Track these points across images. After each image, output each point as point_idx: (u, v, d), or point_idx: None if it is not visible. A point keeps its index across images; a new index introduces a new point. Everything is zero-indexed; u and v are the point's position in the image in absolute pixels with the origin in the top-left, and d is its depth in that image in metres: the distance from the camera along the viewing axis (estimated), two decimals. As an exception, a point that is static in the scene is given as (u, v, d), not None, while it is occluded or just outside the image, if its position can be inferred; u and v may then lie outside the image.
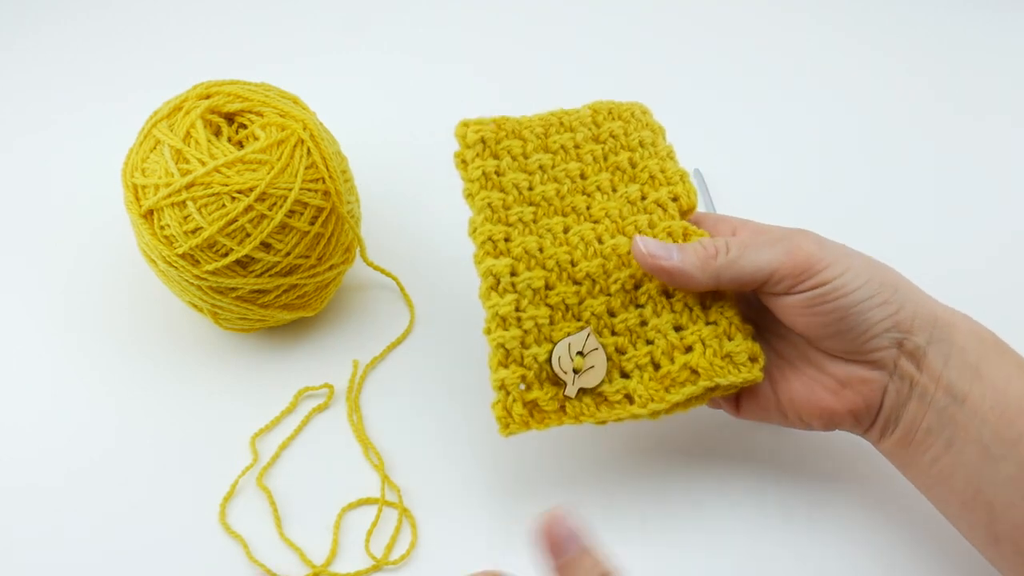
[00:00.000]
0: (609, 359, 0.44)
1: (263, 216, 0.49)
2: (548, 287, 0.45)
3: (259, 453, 0.52)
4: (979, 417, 0.40)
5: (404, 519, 0.49)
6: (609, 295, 0.45)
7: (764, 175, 0.68)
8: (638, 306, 0.45)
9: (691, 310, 0.45)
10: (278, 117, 0.52)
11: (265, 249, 0.50)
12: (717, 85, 0.76)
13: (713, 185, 0.66)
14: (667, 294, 0.45)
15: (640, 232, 0.46)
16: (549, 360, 0.43)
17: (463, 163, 0.48)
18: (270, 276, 0.51)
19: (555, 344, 0.43)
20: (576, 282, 0.45)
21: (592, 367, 0.43)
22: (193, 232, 0.49)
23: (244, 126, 0.53)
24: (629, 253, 0.46)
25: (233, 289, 0.51)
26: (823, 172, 0.69)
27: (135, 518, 0.49)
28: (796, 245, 0.43)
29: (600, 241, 0.46)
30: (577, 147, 0.50)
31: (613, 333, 0.45)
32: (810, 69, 0.77)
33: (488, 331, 0.44)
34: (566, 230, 0.47)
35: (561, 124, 0.50)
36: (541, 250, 0.46)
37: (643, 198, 0.48)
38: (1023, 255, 0.63)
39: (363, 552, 0.48)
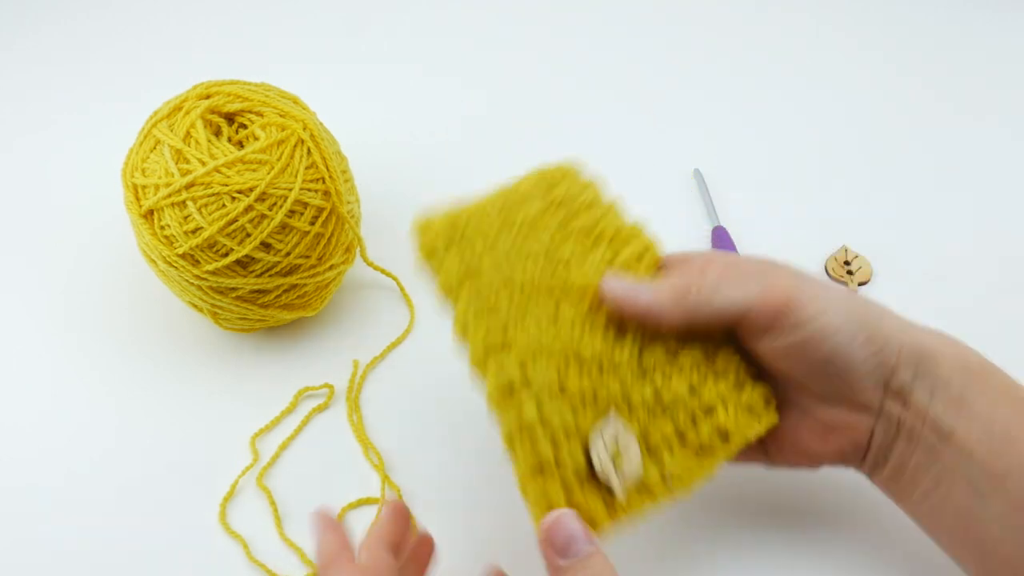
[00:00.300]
0: (636, 438, 0.39)
1: (263, 216, 0.49)
2: (559, 376, 0.39)
3: (259, 453, 0.52)
4: (966, 453, 0.39)
5: (404, 519, 0.49)
6: (616, 366, 0.41)
7: (763, 175, 0.68)
8: (646, 373, 0.41)
9: (699, 367, 0.42)
10: (278, 117, 0.52)
11: (265, 249, 0.50)
12: (717, 85, 0.76)
13: (713, 185, 0.66)
14: (672, 352, 0.42)
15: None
16: (588, 460, 0.38)
17: (432, 258, 0.43)
18: (270, 276, 0.51)
19: (588, 436, 0.38)
20: (584, 363, 0.40)
21: (628, 449, 0.39)
22: (193, 232, 0.49)
23: (244, 126, 0.53)
24: (622, 322, 0.43)
25: (233, 289, 0.51)
26: (823, 172, 0.69)
27: (135, 518, 0.49)
28: (772, 282, 0.40)
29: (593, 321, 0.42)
30: (537, 219, 0.45)
31: (631, 410, 0.40)
32: (810, 69, 0.77)
33: (511, 445, 0.38)
34: (556, 307, 0.42)
35: (512, 199, 0.46)
36: (541, 343, 0.40)
37: (614, 259, 0.45)
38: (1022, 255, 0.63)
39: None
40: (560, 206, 0.46)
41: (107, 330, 0.57)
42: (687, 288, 0.41)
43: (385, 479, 0.50)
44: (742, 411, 0.41)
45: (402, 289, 0.59)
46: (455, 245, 0.43)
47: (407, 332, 0.58)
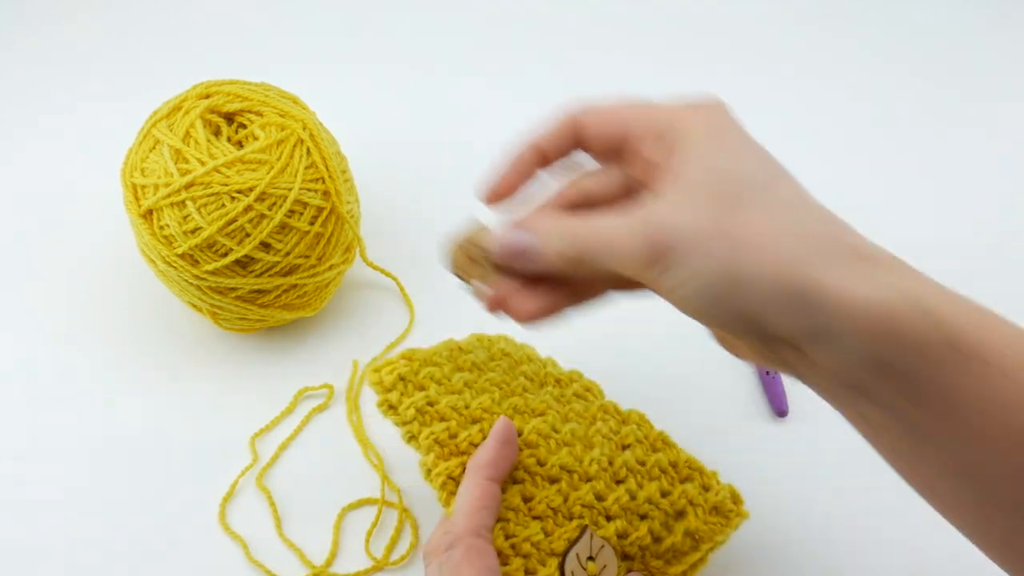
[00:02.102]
0: (614, 548, 0.41)
1: (263, 216, 0.49)
2: (527, 499, 0.41)
3: (259, 453, 0.52)
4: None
5: (404, 520, 0.49)
6: (591, 479, 0.42)
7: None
8: (620, 482, 0.43)
9: (666, 472, 0.43)
10: (278, 117, 0.52)
11: (265, 249, 0.50)
12: (717, 85, 0.76)
13: (713, 185, 0.66)
14: (640, 461, 0.44)
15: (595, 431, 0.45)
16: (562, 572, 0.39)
17: (390, 408, 0.43)
18: (270, 276, 0.51)
19: (563, 557, 0.39)
20: (553, 480, 0.41)
21: (606, 566, 0.40)
22: (192, 232, 0.49)
23: (244, 126, 0.53)
24: (588, 435, 0.44)
25: (233, 289, 0.51)
26: (823, 171, 0.69)
27: (135, 518, 0.49)
28: (651, 226, 0.34)
29: (555, 430, 0.43)
30: (485, 363, 0.47)
31: (608, 519, 0.41)
32: (810, 69, 0.77)
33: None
34: (519, 433, 0.43)
35: (460, 348, 0.48)
36: None
37: (562, 395, 0.47)
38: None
39: (363, 553, 0.48)
40: (504, 356, 0.48)
41: (106, 330, 0.57)
42: (573, 246, 0.36)
43: (385, 479, 0.50)
44: (709, 514, 0.43)
45: (402, 289, 0.59)
46: (407, 395, 0.44)
47: (407, 332, 0.58)
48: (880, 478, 0.50)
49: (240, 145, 0.52)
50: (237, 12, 0.81)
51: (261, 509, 0.49)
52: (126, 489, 0.50)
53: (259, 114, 0.52)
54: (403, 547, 0.48)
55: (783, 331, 0.33)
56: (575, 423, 0.45)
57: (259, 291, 0.52)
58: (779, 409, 0.53)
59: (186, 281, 0.51)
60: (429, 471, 0.42)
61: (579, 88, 0.74)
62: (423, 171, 0.67)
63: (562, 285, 0.38)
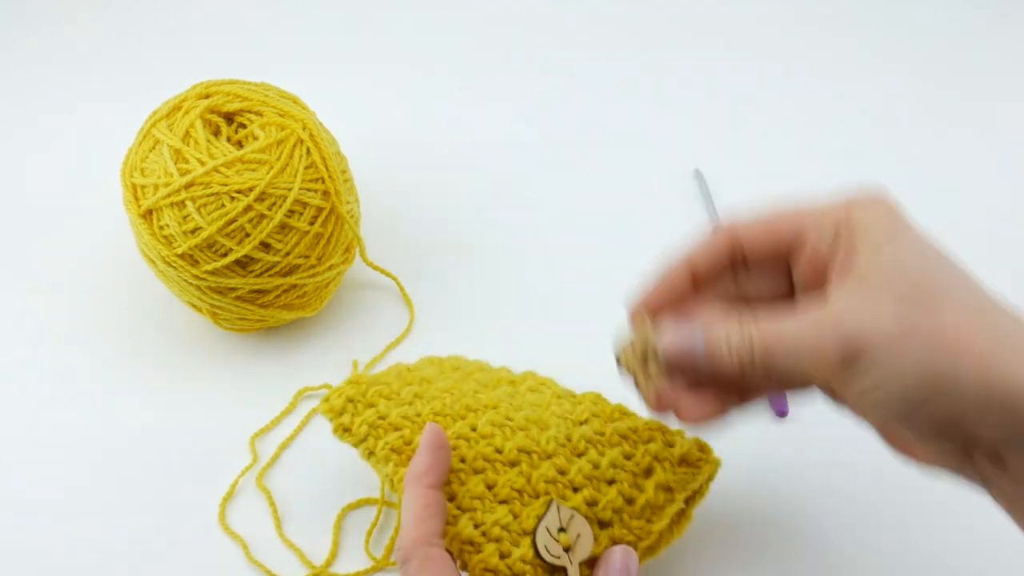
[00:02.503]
0: (585, 516, 0.41)
1: (262, 216, 0.49)
2: (490, 486, 0.42)
3: (259, 453, 0.52)
4: None
5: (404, 519, 0.49)
6: (551, 456, 0.43)
7: (764, 175, 0.68)
8: (581, 455, 0.43)
9: (627, 438, 0.44)
10: (277, 117, 0.52)
11: (264, 249, 0.50)
12: (717, 84, 0.76)
13: (713, 185, 0.66)
14: (599, 432, 0.44)
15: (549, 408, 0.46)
16: (537, 554, 0.39)
17: (345, 431, 0.44)
18: (269, 276, 0.51)
19: (533, 534, 0.40)
20: (513, 464, 0.42)
21: (579, 535, 0.40)
22: (192, 232, 0.49)
23: (243, 126, 0.53)
24: (543, 419, 0.44)
25: (232, 289, 0.51)
26: (822, 171, 0.69)
27: (134, 518, 0.49)
28: (843, 329, 0.33)
29: (509, 419, 0.44)
30: (435, 377, 0.48)
31: (575, 490, 0.42)
32: (810, 69, 0.77)
33: (465, 562, 0.40)
34: (473, 428, 0.44)
35: (408, 369, 0.49)
36: (463, 460, 0.42)
37: (516, 392, 0.48)
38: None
39: (363, 553, 0.48)
40: (455, 369, 0.49)
41: (106, 330, 0.57)
42: (740, 360, 0.36)
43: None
44: (677, 465, 0.43)
45: (402, 289, 0.59)
46: (358, 415, 0.44)
47: (406, 332, 0.58)
48: (880, 480, 0.50)
49: (240, 145, 0.52)
50: (237, 12, 0.81)
51: (261, 509, 0.49)
52: (126, 489, 0.50)
53: (259, 114, 0.52)
54: (403, 547, 0.48)
55: (985, 436, 0.32)
56: (528, 410, 0.45)
57: (259, 291, 0.52)
58: (779, 410, 0.53)
59: (186, 281, 0.51)
60: (392, 480, 0.42)
61: (581, 89, 0.75)
62: (423, 171, 0.67)
63: (729, 385, 0.38)
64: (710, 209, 0.64)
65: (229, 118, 0.53)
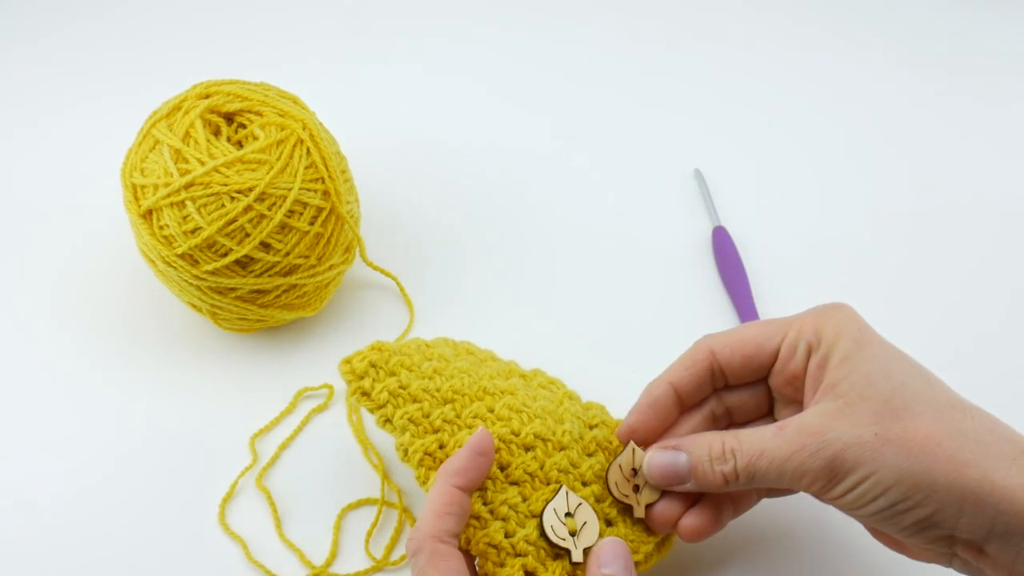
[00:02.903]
0: (593, 509, 0.42)
1: (262, 216, 0.49)
2: (503, 467, 0.42)
3: (259, 453, 0.52)
4: None
5: (405, 520, 0.49)
6: (564, 448, 0.43)
7: (764, 175, 0.68)
8: (591, 455, 0.44)
9: (636, 449, 0.43)
10: (277, 117, 0.51)
11: (264, 249, 0.50)
12: (717, 85, 0.76)
13: (713, 185, 0.66)
14: (608, 439, 0.45)
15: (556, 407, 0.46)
16: (543, 534, 0.40)
17: (363, 395, 0.44)
18: (269, 276, 0.51)
19: (541, 516, 0.40)
20: (528, 448, 0.43)
21: (586, 522, 0.41)
22: (192, 232, 0.49)
23: (243, 126, 0.53)
24: (558, 412, 0.45)
25: (232, 289, 0.51)
26: (822, 170, 0.69)
27: (135, 518, 0.49)
28: (824, 443, 0.36)
29: (527, 405, 0.44)
30: (453, 357, 0.48)
31: (585, 484, 0.42)
32: (810, 69, 0.77)
33: (469, 537, 0.40)
34: (491, 410, 0.44)
35: (427, 345, 0.49)
36: None
37: (529, 384, 0.48)
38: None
39: (363, 553, 0.48)
40: (469, 354, 0.49)
41: (106, 330, 0.57)
42: (720, 453, 0.39)
43: (385, 479, 0.50)
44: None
45: (402, 289, 0.59)
46: (379, 380, 0.45)
47: (406, 332, 0.58)
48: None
49: (240, 145, 0.52)
50: (237, 12, 0.81)
51: (261, 509, 0.49)
52: (126, 489, 0.50)
53: (259, 114, 0.52)
54: (403, 547, 0.48)
55: (964, 531, 0.35)
56: (544, 402, 0.45)
57: (259, 291, 0.52)
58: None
59: (186, 281, 0.50)
60: (406, 451, 0.42)
61: (582, 89, 0.75)
62: (423, 171, 0.67)
63: (722, 498, 0.42)
64: (710, 209, 0.64)
65: (229, 118, 0.53)
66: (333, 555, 0.48)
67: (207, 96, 0.53)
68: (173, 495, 0.50)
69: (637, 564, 0.42)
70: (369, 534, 0.48)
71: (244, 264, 0.50)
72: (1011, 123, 0.72)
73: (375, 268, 0.58)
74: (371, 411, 0.44)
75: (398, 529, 0.49)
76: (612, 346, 0.57)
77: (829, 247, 0.63)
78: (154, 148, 0.51)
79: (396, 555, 0.48)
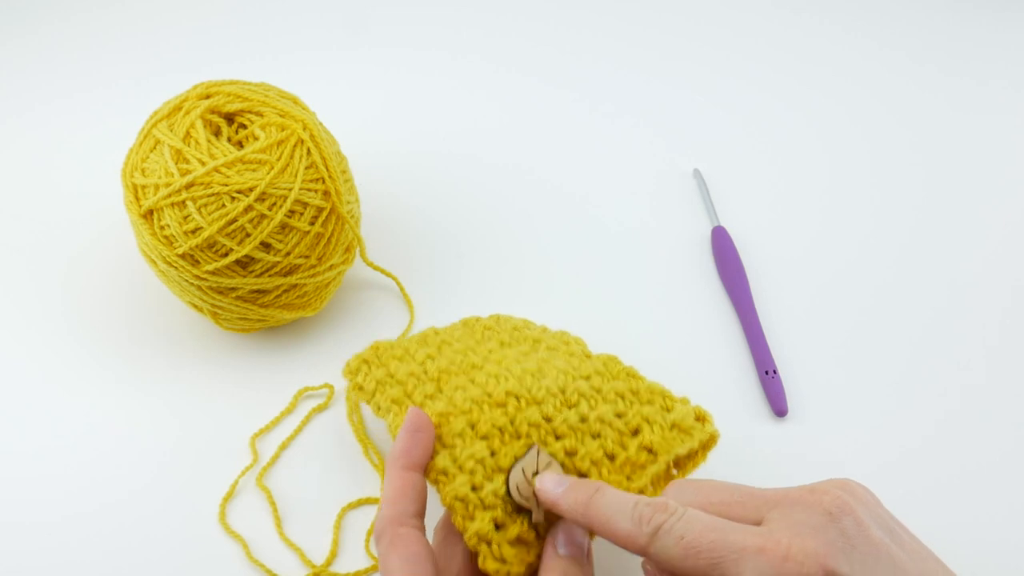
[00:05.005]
0: (563, 464, 0.41)
1: (263, 216, 0.49)
2: (473, 425, 0.42)
3: (259, 453, 0.52)
4: None
5: (404, 519, 0.49)
6: (539, 403, 0.43)
7: (764, 175, 0.68)
8: (571, 406, 0.43)
9: (623, 397, 0.44)
10: (278, 117, 0.52)
11: (265, 249, 0.50)
12: (717, 85, 0.76)
13: (713, 185, 0.66)
14: (597, 388, 0.44)
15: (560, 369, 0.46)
16: (508, 492, 0.40)
17: (359, 389, 0.48)
18: (270, 276, 0.51)
19: (508, 472, 0.40)
20: (500, 404, 0.43)
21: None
22: (193, 232, 0.49)
23: (244, 126, 0.53)
24: (540, 371, 0.45)
25: (233, 289, 0.51)
26: (822, 170, 0.69)
27: (135, 518, 0.49)
28: (787, 547, 0.32)
29: (509, 371, 0.45)
30: (460, 338, 0.50)
31: (557, 437, 0.42)
32: (810, 69, 0.77)
33: (439, 491, 0.41)
34: (472, 381, 0.45)
35: (435, 332, 0.51)
36: (455, 405, 0.43)
37: (533, 349, 0.49)
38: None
39: (363, 552, 0.48)
40: (486, 330, 0.51)
41: (107, 330, 0.57)
42: (648, 518, 0.35)
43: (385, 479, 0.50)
44: (667, 430, 0.43)
45: (402, 289, 0.59)
46: (371, 374, 0.48)
47: (407, 332, 0.58)
48: (879, 478, 0.50)
49: (240, 145, 0.52)
50: (237, 12, 0.81)
51: (261, 509, 0.49)
52: (126, 488, 0.50)
53: (259, 114, 0.52)
54: (403, 547, 0.48)
55: None
56: (533, 364, 0.46)
57: (259, 291, 0.52)
58: (779, 409, 0.53)
59: (186, 281, 0.51)
60: (393, 430, 0.44)
61: (582, 90, 0.75)
62: (423, 171, 0.68)
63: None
64: (710, 209, 0.64)
65: (230, 118, 0.53)
66: (333, 554, 0.48)
67: (208, 96, 0.53)
68: (173, 494, 0.50)
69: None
70: (369, 533, 0.48)
71: (245, 264, 0.50)
72: (1011, 123, 0.72)
73: (375, 268, 0.59)
74: (367, 403, 0.47)
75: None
76: (612, 346, 0.57)
77: (829, 247, 0.63)
78: (155, 148, 0.51)
79: (396, 554, 0.48)
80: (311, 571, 0.47)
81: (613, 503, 0.36)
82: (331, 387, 0.54)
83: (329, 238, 0.52)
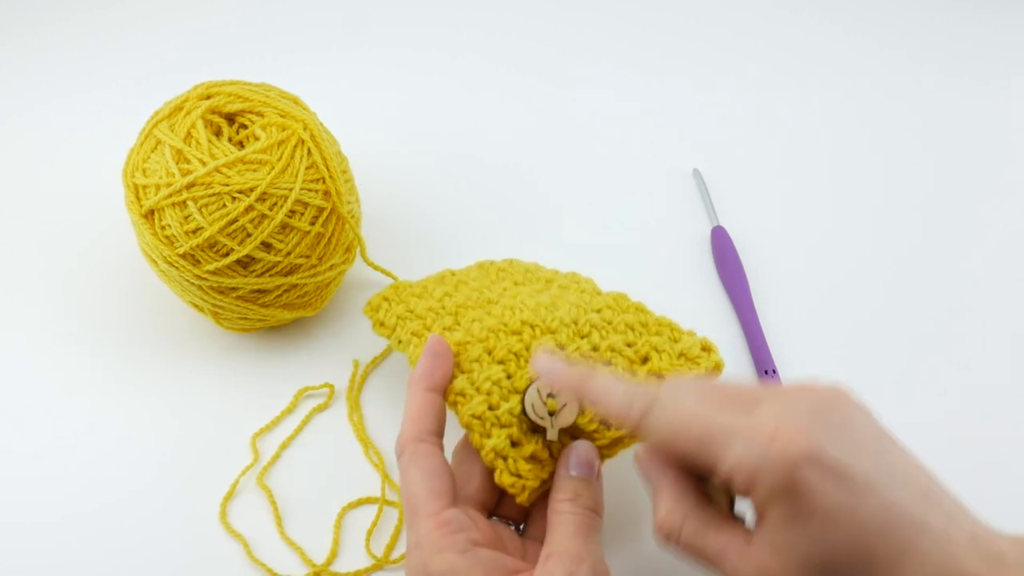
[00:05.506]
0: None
1: (264, 216, 0.49)
2: (490, 351, 0.44)
3: (260, 453, 0.52)
4: None
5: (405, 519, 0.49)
6: (553, 332, 0.45)
7: (763, 175, 0.68)
8: (584, 336, 0.45)
9: (633, 328, 0.46)
10: (278, 117, 0.52)
11: (266, 249, 0.50)
12: (717, 85, 0.76)
13: (713, 185, 0.67)
14: (608, 320, 0.46)
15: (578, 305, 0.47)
16: (524, 411, 0.41)
17: (381, 325, 0.50)
18: (271, 276, 0.51)
19: (524, 393, 0.42)
20: (515, 332, 0.45)
21: (566, 404, 0.41)
22: (194, 232, 0.49)
23: (245, 126, 0.53)
24: (554, 304, 0.47)
25: (234, 289, 0.51)
26: (822, 170, 0.69)
27: (135, 518, 0.49)
28: (775, 428, 0.32)
29: (524, 303, 0.47)
30: (475, 278, 0.52)
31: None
32: (810, 69, 0.77)
33: (457, 411, 0.42)
34: (489, 313, 0.47)
35: (451, 273, 0.54)
36: (472, 335, 0.45)
37: (545, 288, 0.50)
38: None
39: (364, 551, 0.48)
40: (500, 272, 0.53)
41: (108, 330, 0.57)
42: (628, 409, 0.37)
43: (385, 478, 0.50)
44: (675, 358, 0.45)
45: (402, 289, 0.59)
46: (391, 310, 0.50)
47: (407, 332, 0.58)
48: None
49: (241, 145, 0.52)
50: (237, 12, 0.81)
51: (262, 508, 0.50)
52: (127, 487, 0.50)
53: (260, 114, 0.52)
54: (403, 546, 0.48)
55: None
56: (546, 298, 0.48)
57: (260, 291, 0.52)
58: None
59: (187, 281, 0.51)
60: (413, 362, 0.45)
61: (582, 89, 0.75)
62: (424, 171, 0.68)
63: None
64: (710, 209, 0.65)
65: (230, 119, 0.53)
66: (334, 554, 0.48)
67: (208, 97, 0.53)
68: (174, 494, 0.50)
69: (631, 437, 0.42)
70: (370, 533, 0.48)
71: (245, 264, 0.50)
72: (1011, 123, 0.72)
73: (376, 268, 0.59)
74: (388, 338, 0.49)
75: (399, 528, 0.49)
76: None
77: (828, 247, 0.63)
78: (156, 148, 0.51)
79: (396, 553, 0.48)
80: (311, 570, 0.47)
81: (609, 380, 0.38)
82: (331, 387, 0.54)
83: (330, 238, 0.53)
